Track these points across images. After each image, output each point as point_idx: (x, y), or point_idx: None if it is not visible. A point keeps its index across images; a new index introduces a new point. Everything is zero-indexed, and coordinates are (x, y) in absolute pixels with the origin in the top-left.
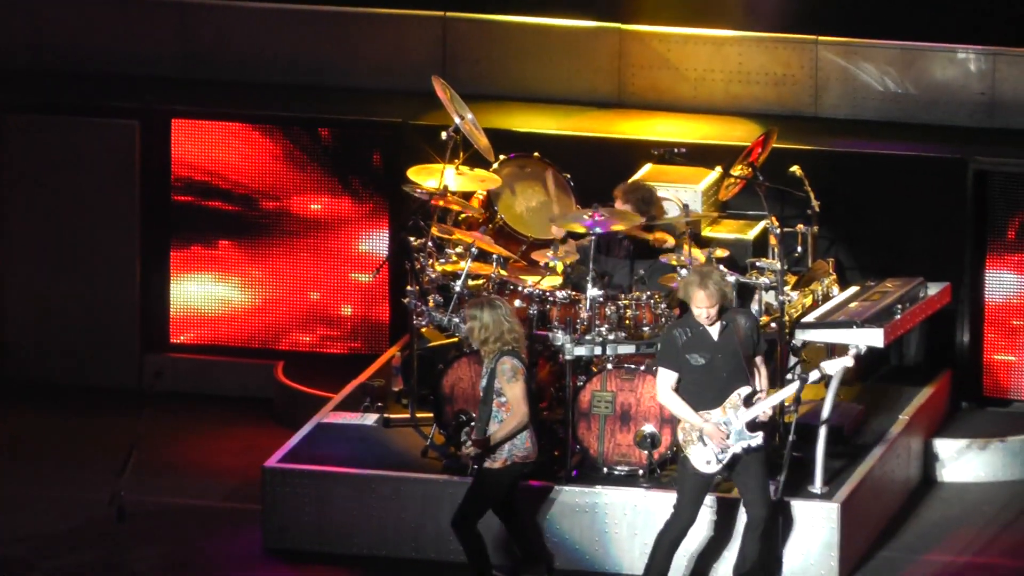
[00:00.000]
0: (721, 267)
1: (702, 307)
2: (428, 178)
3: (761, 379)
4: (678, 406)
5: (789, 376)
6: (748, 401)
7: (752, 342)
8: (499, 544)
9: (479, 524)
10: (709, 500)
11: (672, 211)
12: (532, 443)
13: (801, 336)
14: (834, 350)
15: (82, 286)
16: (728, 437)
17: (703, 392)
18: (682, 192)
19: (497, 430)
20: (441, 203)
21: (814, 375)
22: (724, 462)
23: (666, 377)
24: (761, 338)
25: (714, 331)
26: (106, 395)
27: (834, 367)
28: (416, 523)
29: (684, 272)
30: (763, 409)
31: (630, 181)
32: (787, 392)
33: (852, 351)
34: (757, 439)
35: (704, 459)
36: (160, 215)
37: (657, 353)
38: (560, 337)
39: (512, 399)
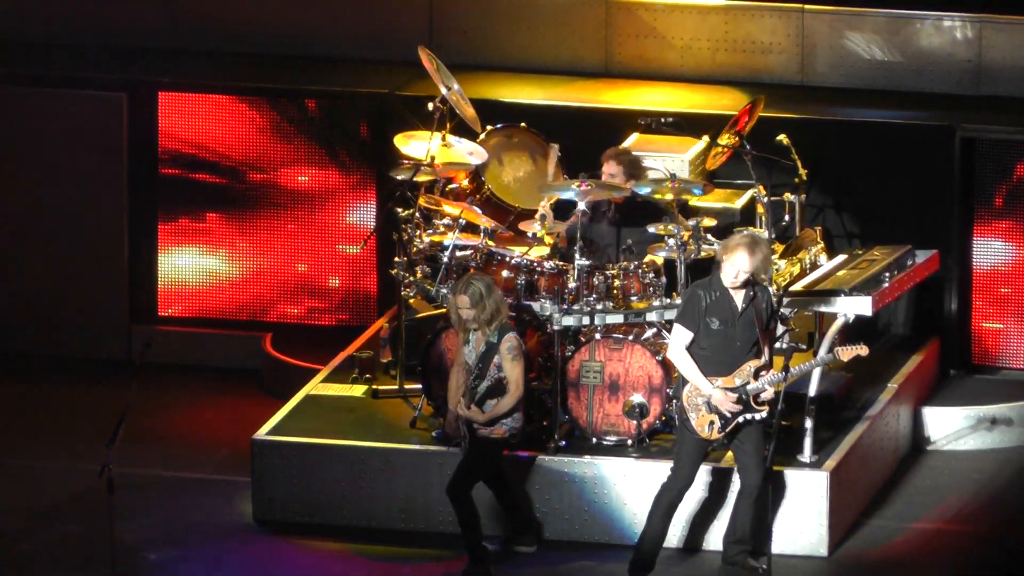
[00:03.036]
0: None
1: (737, 268)
2: (413, 145)
3: (765, 354)
4: (688, 367)
5: (778, 345)
6: (757, 374)
7: (766, 317)
8: (490, 514)
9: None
10: (703, 468)
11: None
12: (523, 414)
13: (789, 305)
14: (822, 318)
15: (70, 258)
16: (735, 407)
17: (715, 357)
18: (669, 161)
19: (496, 406)
20: (430, 176)
21: (827, 358)
22: (727, 430)
23: (681, 335)
24: (773, 316)
25: (739, 298)
26: (95, 367)
27: (848, 354)
28: (405, 494)
29: (672, 242)
30: (773, 383)
31: (620, 146)
32: (802, 370)
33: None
34: (762, 412)
35: (706, 424)
36: (147, 188)
37: (678, 309)
38: (548, 307)
39: (514, 378)
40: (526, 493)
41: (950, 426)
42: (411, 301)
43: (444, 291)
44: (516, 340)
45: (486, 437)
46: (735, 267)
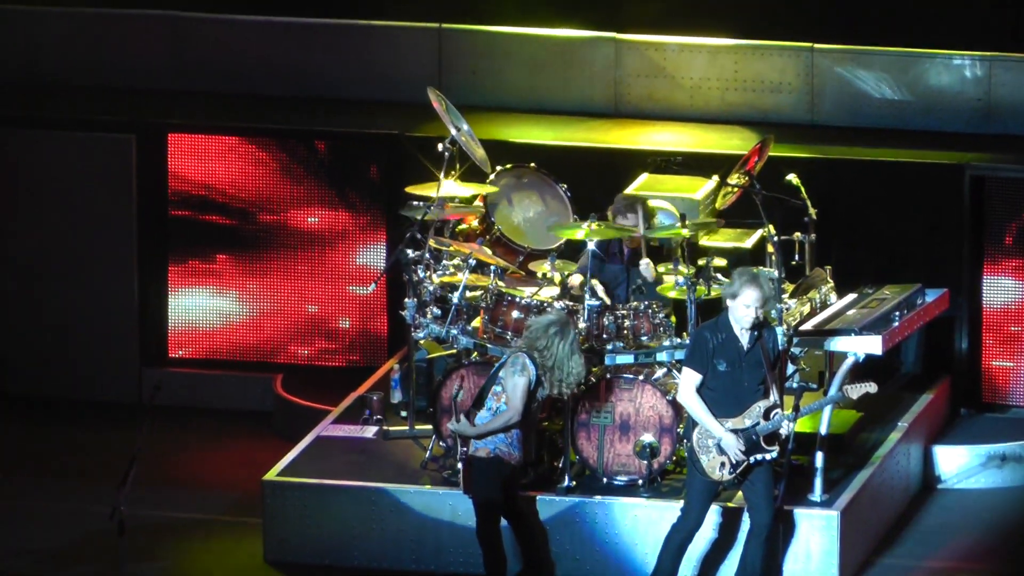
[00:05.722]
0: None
1: (752, 305)
2: (427, 192)
3: (774, 393)
4: (699, 409)
5: (789, 385)
6: (767, 414)
7: (773, 357)
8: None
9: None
10: (713, 508)
11: (666, 219)
12: (519, 445)
13: (799, 344)
14: (832, 358)
15: (80, 300)
16: (745, 449)
17: (724, 399)
18: (679, 202)
19: (489, 422)
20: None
21: (837, 396)
22: (737, 471)
23: (691, 378)
24: (778, 355)
25: (744, 339)
26: (105, 409)
27: (857, 392)
28: (416, 535)
29: (681, 280)
30: (784, 423)
31: (622, 195)
32: (812, 409)
33: (870, 386)
34: (773, 452)
35: (717, 466)
36: (157, 229)
37: (686, 352)
38: None
39: (509, 391)
40: (543, 530)
41: (961, 465)
42: (421, 342)
43: (454, 332)
44: (523, 360)
45: (472, 455)
46: (749, 305)
